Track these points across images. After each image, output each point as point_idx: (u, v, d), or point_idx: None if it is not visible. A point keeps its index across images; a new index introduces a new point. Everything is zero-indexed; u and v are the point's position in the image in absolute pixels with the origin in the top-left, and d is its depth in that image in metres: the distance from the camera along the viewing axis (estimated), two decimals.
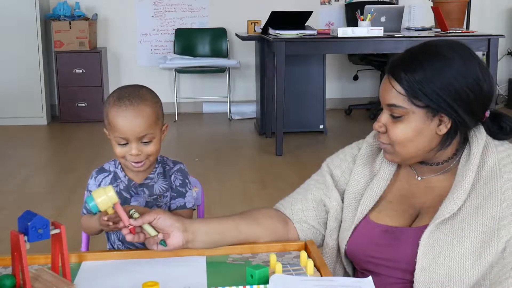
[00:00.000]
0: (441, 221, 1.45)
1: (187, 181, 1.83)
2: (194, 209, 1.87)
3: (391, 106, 1.47)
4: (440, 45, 1.48)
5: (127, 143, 1.70)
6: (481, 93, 1.46)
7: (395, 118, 1.48)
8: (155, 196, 1.79)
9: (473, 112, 1.47)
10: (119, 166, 1.80)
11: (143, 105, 1.69)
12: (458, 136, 1.50)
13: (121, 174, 1.80)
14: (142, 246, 1.77)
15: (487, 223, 1.43)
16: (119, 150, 1.71)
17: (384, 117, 1.50)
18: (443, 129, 1.47)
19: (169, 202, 1.81)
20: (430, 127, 1.46)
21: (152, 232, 1.47)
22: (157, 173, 1.80)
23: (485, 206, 1.44)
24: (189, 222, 1.53)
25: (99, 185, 1.80)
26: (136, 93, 1.71)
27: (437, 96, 1.42)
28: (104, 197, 1.46)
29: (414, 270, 1.45)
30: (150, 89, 1.77)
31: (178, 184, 1.81)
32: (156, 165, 1.80)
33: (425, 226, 1.48)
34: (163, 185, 1.80)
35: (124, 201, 1.78)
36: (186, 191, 1.81)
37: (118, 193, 1.78)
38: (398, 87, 1.45)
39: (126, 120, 1.68)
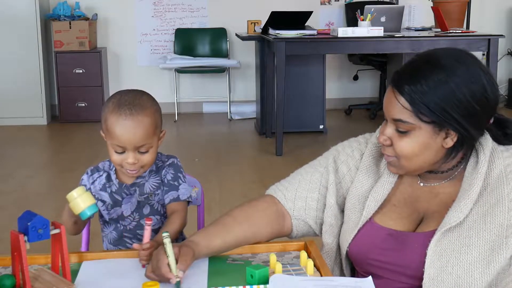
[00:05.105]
0: (448, 229, 1.44)
1: (179, 174, 1.80)
2: (190, 201, 1.82)
3: (397, 121, 1.44)
4: (444, 56, 1.44)
5: (124, 152, 1.69)
6: (487, 104, 1.43)
7: (401, 133, 1.45)
8: (145, 195, 1.79)
9: (480, 124, 1.45)
10: (113, 168, 1.80)
11: (143, 115, 1.67)
12: (464, 148, 1.48)
13: (113, 177, 1.80)
14: None
15: (495, 231, 1.42)
16: (115, 157, 1.71)
17: (389, 130, 1.47)
18: (449, 142, 1.45)
19: (163, 198, 1.79)
20: (436, 141, 1.44)
21: (174, 271, 1.39)
22: (149, 171, 1.79)
23: (493, 213, 1.43)
24: (197, 251, 1.47)
25: (93, 183, 1.82)
26: (137, 101, 1.68)
27: (442, 110, 1.40)
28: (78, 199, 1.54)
29: (420, 276, 1.44)
30: (150, 96, 1.75)
31: (169, 178, 1.78)
32: None
33: (431, 232, 1.47)
34: (154, 182, 1.79)
35: (116, 203, 1.80)
36: (179, 184, 1.79)
37: (110, 195, 1.80)
38: (402, 100, 1.42)
39: (125, 130, 1.66)
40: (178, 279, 1.37)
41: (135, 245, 1.52)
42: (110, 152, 1.71)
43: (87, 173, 1.83)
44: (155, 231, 1.72)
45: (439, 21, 5.59)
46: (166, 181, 1.79)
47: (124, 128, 1.66)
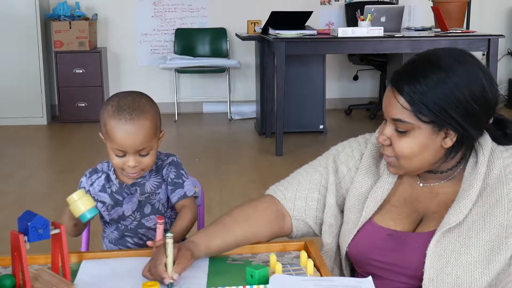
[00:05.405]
0: (447, 229, 1.44)
1: (182, 171, 1.81)
2: (197, 196, 1.84)
3: (396, 121, 1.44)
4: (443, 56, 1.44)
5: (124, 155, 1.69)
6: (487, 104, 1.43)
7: (401, 133, 1.45)
8: (146, 195, 1.79)
9: (479, 124, 1.45)
10: (112, 169, 1.80)
11: (143, 118, 1.66)
12: (463, 148, 1.48)
13: (112, 177, 1.80)
14: (142, 246, 1.77)
15: (494, 231, 1.41)
16: (116, 160, 1.71)
17: (388, 130, 1.48)
18: (449, 142, 1.45)
19: (164, 197, 1.80)
20: (435, 141, 1.44)
21: (170, 273, 1.39)
22: (149, 171, 1.79)
23: (492, 214, 1.43)
24: (197, 251, 1.47)
25: (92, 184, 1.81)
26: (136, 105, 1.67)
27: (441, 109, 1.40)
28: (78, 202, 1.56)
29: (420, 277, 1.44)
30: (149, 98, 1.74)
31: (173, 176, 1.79)
32: None
33: (431, 233, 1.46)
34: (155, 182, 1.79)
35: (116, 203, 1.80)
36: (184, 181, 1.80)
37: (111, 195, 1.80)
38: (402, 99, 1.42)
39: (126, 134, 1.65)
40: (171, 281, 1.37)
41: (149, 243, 1.53)
42: (111, 155, 1.71)
43: (86, 175, 1.83)
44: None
45: (439, 21, 5.59)
46: (169, 180, 1.79)
47: (125, 133, 1.65)
